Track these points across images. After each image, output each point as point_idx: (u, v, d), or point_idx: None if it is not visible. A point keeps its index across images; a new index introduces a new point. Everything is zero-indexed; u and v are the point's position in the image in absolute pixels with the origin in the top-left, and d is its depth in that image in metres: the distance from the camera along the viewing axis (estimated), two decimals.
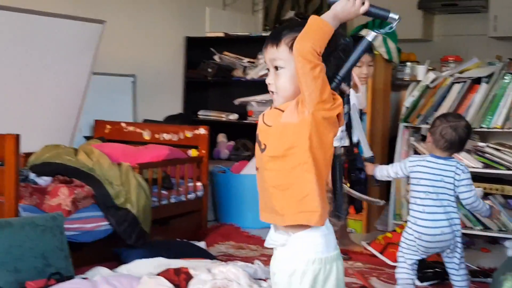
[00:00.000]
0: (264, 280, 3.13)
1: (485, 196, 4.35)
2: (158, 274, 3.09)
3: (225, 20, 6.16)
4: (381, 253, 3.94)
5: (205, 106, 5.91)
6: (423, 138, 4.88)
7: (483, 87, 4.51)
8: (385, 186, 5.01)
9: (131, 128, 4.69)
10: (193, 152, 4.48)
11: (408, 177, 3.25)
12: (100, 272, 3.21)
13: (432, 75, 4.80)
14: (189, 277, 3.04)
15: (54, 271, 2.96)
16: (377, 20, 4.99)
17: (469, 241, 4.28)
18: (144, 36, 5.38)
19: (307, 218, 1.79)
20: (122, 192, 3.67)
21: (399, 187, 4.79)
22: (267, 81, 1.84)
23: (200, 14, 6.00)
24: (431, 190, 3.07)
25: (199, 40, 5.83)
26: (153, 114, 5.35)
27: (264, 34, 5.81)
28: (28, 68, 4.05)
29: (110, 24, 4.43)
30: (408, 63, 5.29)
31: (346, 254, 4.00)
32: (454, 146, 3.10)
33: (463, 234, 3.29)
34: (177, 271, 3.09)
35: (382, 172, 3.32)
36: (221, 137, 5.77)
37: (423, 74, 5.10)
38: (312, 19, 1.74)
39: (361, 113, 3.90)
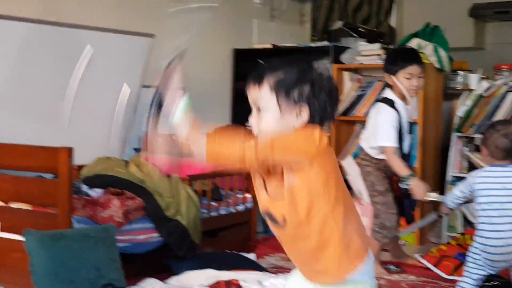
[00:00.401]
0: None
1: None
2: (209, 286, 3.08)
3: (273, 32, 6.16)
4: (435, 266, 3.85)
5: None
6: (477, 148, 4.79)
7: None
8: None
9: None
10: None
11: (472, 194, 3.14)
12: (151, 284, 3.22)
13: (485, 84, 4.71)
14: None
15: (106, 282, 2.98)
16: (427, 28, 4.94)
17: None
18: (192, 49, 5.42)
19: (359, 260, 1.72)
20: (172, 203, 3.69)
21: None
22: (250, 122, 1.74)
23: (247, 26, 6.02)
24: (493, 200, 2.98)
25: (247, 52, 5.84)
26: None
27: (312, 45, 5.79)
28: (80, 83, 4.11)
29: (159, 38, 4.47)
30: (460, 72, 5.19)
31: (399, 266, 3.93)
32: (511, 153, 3.02)
33: None
34: (228, 283, 3.08)
35: (451, 199, 3.23)
36: None
37: (475, 83, 4.99)
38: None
39: (411, 125, 3.84)
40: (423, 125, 4.69)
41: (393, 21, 6.59)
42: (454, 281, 3.46)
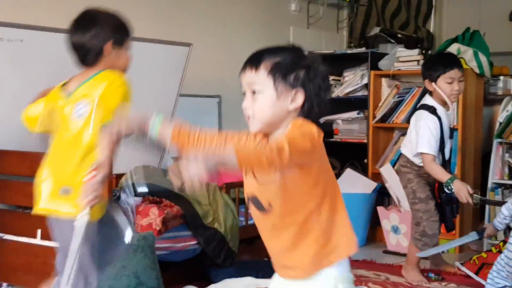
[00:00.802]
0: None
1: None
2: None
3: (310, 39, 6.15)
4: (476, 273, 3.79)
5: None
6: None
7: None
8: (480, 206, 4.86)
9: None
10: None
11: None
12: None
13: None
14: None
15: None
16: (467, 33, 4.88)
17: None
18: (229, 57, 5.44)
19: (336, 255, 1.74)
20: (210, 211, 3.70)
21: (494, 206, 4.63)
22: (243, 105, 1.74)
23: (284, 33, 6.02)
24: None
25: None
26: None
27: (349, 51, 5.77)
28: None
29: (197, 46, 4.51)
30: (501, 77, 5.12)
31: (439, 274, 3.89)
32: None
33: None
34: None
35: (499, 219, 3.17)
36: None
37: None
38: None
39: (452, 131, 3.80)
40: (463, 131, 4.63)
41: (431, 26, 6.53)
42: None
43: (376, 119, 5.04)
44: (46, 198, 2.46)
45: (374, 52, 5.32)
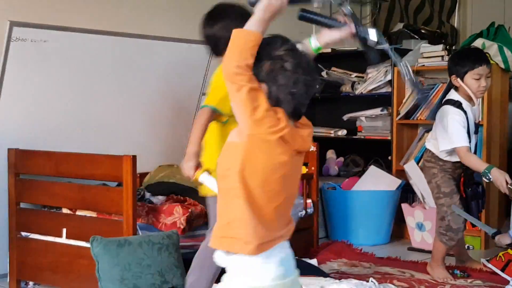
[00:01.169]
0: None
1: None
2: None
3: None
4: (502, 270, 3.76)
5: (313, 122, 5.82)
6: None
7: None
8: (506, 199, 4.81)
9: None
10: (302, 169, 4.47)
11: None
12: None
13: None
14: None
15: (170, 287, 3.03)
16: (492, 28, 4.82)
17: None
18: None
19: (229, 245, 1.74)
20: None
21: None
22: None
23: (306, 31, 6.00)
24: None
25: None
26: None
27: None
28: (142, 91, 4.20)
29: None
30: None
31: (465, 271, 3.85)
32: None
33: None
34: None
35: None
36: (330, 154, 5.73)
37: None
38: (234, 32, 1.71)
39: (477, 126, 3.77)
40: (488, 127, 4.59)
41: (455, 21, 6.47)
42: None
43: (400, 115, 5.01)
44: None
45: (397, 48, 5.29)
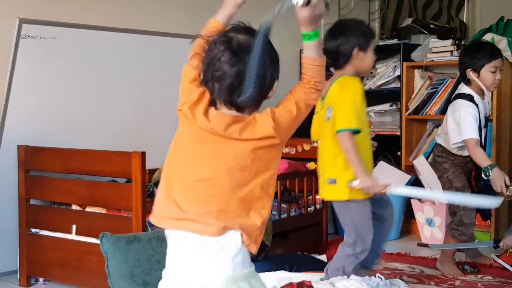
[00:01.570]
0: None
1: None
2: None
3: None
4: (495, 249, 3.75)
5: None
6: None
7: None
8: None
9: None
10: (311, 165, 4.46)
11: None
12: None
13: None
14: None
15: None
16: (501, 22, 4.80)
17: None
18: None
19: None
20: None
21: None
22: None
23: None
24: None
25: None
26: None
27: (381, 43, 5.72)
28: (150, 88, 4.20)
29: None
30: None
31: (475, 267, 3.84)
32: None
33: None
34: (300, 284, 3.07)
35: None
36: None
37: None
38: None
39: (487, 120, 3.75)
40: (498, 122, 4.57)
41: (464, 16, 6.44)
42: None
43: (409, 111, 5.00)
44: (321, 188, 3.16)
45: (406, 43, 5.27)
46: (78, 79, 3.88)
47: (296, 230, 4.26)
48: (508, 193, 3.40)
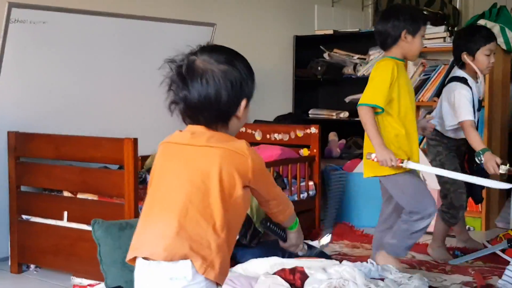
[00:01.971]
0: (381, 279, 3.06)
1: None
2: (274, 273, 3.09)
3: (334, 17, 6.11)
4: (502, 251, 3.76)
5: (316, 104, 5.88)
6: None
7: None
8: (507, 180, 4.81)
9: (242, 129, 4.74)
10: (304, 152, 4.46)
11: None
12: None
13: None
14: (304, 276, 3.02)
15: None
16: (494, 9, 4.80)
17: None
18: (254, 37, 5.42)
19: None
20: None
21: None
22: None
23: (309, 12, 5.98)
24: None
25: (308, 38, 5.81)
26: (264, 114, 5.38)
27: (374, 29, 5.71)
28: (143, 73, 4.18)
29: (221, 26, 4.49)
30: None
31: (466, 252, 3.85)
32: None
33: None
34: (293, 270, 3.07)
35: None
36: (332, 136, 5.72)
37: None
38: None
39: (480, 102, 3.75)
40: (490, 108, 4.57)
41: (457, 2, 6.43)
42: None
43: None
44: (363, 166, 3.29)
45: None
46: (69, 64, 3.85)
47: None
48: (501, 171, 3.40)
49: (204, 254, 1.68)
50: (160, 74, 2.94)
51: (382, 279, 3.05)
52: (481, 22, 4.65)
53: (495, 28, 4.59)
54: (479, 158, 3.45)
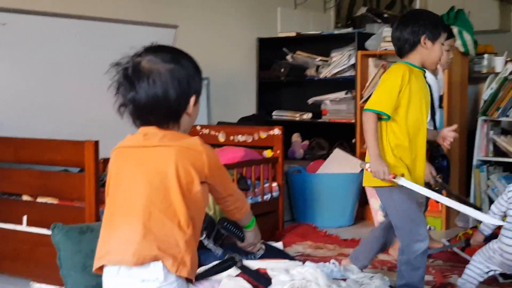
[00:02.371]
0: (343, 280, 3.09)
1: None
2: (237, 275, 3.09)
3: (297, 20, 6.14)
4: (462, 250, 3.82)
5: (279, 106, 5.90)
6: (503, 132, 4.74)
7: None
8: (465, 181, 4.89)
9: (205, 131, 4.74)
10: (268, 153, 4.48)
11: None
12: None
13: (511, 67, 4.65)
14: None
15: None
16: (452, 12, 4.87)
17: None
18: (217, 39, 5.42)
19: None
20: None
21: (479, 181, 4.66)
22: None
23: (271, 14, 6.00)
24: None
25: (271, 40, 5.83)
26: (227, 116, 5.38)
27: (336, 32, 5.76)
28: (103, 76, 4.14)
29: (183, 28, 4.48)
30: (485, 55, 5.12)
31: None
32: None
33: None
34: (256, 272, 3.08)
35: (488, 223, 3.08)
36: (296, 137, 5.75)
37: (501, 66, 4.93)
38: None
39: (441, 100, 3.77)
40: (449, 110, 4.64)
41: (417, 5, 6.52)
42: None
43: (364, 99, 5.04)
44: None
45: (361, 32, 5.32)
46: (29, 66, 3.81)
47: None
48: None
49: (174, 252, 1.69)
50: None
51: (344, 280, 3.08)
52: None
53: (453, 31, 4.67)
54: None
